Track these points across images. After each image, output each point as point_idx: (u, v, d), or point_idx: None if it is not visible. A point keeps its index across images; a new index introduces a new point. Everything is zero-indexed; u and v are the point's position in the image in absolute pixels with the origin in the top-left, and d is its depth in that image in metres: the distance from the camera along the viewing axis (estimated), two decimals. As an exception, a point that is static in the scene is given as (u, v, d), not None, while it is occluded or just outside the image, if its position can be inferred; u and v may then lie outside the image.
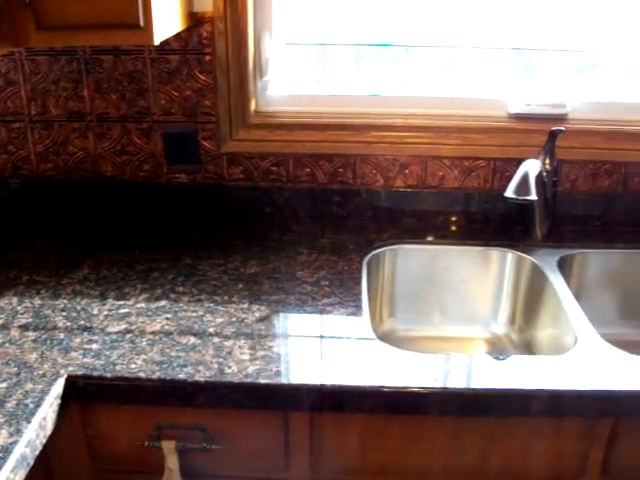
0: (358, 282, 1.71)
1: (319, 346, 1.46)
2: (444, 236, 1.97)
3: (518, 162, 1.79)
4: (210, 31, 1.86)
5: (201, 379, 1.33)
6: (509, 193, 1.73)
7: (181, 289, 1.67)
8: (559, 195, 1.94)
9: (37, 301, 1.61)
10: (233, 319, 1.54)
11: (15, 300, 1.61)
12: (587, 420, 1.38)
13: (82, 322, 1.52)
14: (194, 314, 1.56)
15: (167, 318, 1.54)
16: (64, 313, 1.56)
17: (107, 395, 1.37)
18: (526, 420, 1.39)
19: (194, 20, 1.83)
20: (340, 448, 1.43)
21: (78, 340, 1.46)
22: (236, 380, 1.33)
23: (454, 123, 1.96)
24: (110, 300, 1.62)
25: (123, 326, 1.51)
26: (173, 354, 1.41)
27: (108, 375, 1.35)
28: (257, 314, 1.56)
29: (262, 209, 2.05)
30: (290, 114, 2.00)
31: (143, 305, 1.59)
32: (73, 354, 1.41)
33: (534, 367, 1.40)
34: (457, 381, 1.35)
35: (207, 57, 1.89)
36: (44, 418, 1.24)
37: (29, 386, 1.30)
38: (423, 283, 1.94)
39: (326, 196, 2.04)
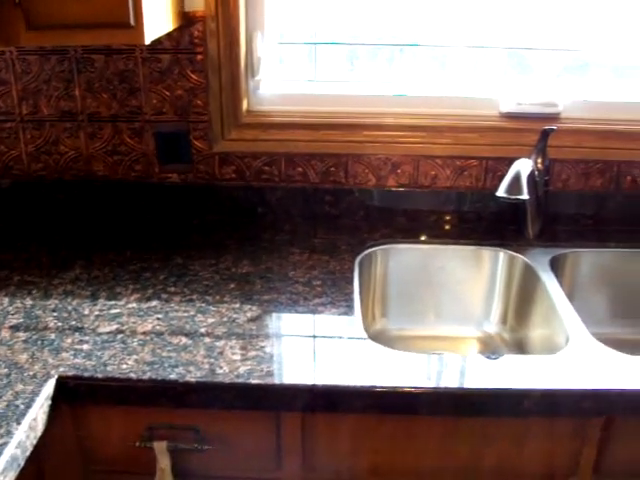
0: (350, 282, 1.71)
1: (311, 346, 1.46)
2: (436, 235, 1.97)
3: (510, 161, 1.79)
4: (202, 30, 1.85)
5: (192, 379, 1.33)
6: (501, 192, 1.73)
7: (173, 289, 1.66)
8: (551, 194, 1.94)
9: (28, 301, 1.60)
10: (224, 319, 1.53)
11: (6, 300, 1.61)
12: (579, 419, 1.38)
13: (73, 322, 1.52)
14: (185, 314, 1.55)
15: (158, 318, 1.54)
16: (55, 313, 1.55)
17: (98, 396, 1.36)
18: (518, 420, 1.39)
19: (185, 19, 1.83)
20: (332, 448, 1.43)
21: (69, 340, 1.45)
22: (227, 380, 1.33)
23: (446, 122, 1.96)
24: (101, 300, 1.61)
25: (114, 326, 1.50)
26: (164, 354, 1.40)
27: (99, 376, 1.34)
28: (249, 314, 1.55)
29: (254, 209, 2.05)
30: (282, 113, 1.99)
31: (134, 305, 1.59)
32: (64, 355, 1.40)
33: (526, 367, 1.40)
34: (449, 381, 1.35)
35: (199, 56, 1.89)
36: (34, 419, 1.23)
37: (19, 387, 1.29)
38: (415, 283, 1.94)
39: (318, 196, 2.03)
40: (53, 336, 1.47)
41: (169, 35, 1.84)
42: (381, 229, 1.98)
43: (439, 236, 1.97)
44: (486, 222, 2.02)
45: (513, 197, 1.72)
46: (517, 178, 1.72)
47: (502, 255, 1.90)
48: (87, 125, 1.98)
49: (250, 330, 1.49)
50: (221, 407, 1.36)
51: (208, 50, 1.87)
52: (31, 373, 1.34)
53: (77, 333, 1.48)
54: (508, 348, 1.87)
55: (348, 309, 1.59)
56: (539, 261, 1.83)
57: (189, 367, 1.36)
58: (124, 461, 1.45)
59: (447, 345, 1.92)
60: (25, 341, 1.45)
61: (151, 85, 1.93)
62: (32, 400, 1.26)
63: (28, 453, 1.21)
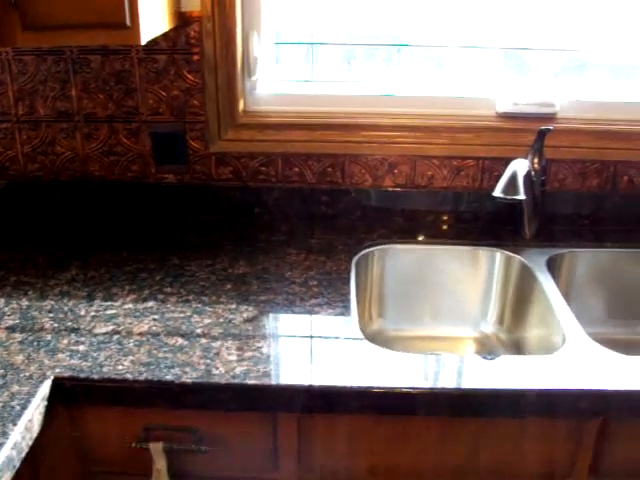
0: (347, 282, 1.71)
1: (307, 347, 1.46)
2: (433, 236, 1.97)
3: (507, 161, 1.79)
4: (198, 30, 1.85)
5: (188, 380, 1.33)
6: (497, 193, 1.73)
7: (169, 290, 1.66)
8: (548, 194, 1.94)
9: (24, 302, 1.60)
10: (221, 320, 1.53)
11: (2, 301, 1.60)
12: (575, 419, 1.38)
13: (69, 323, 1.52)
14: (182, 315, 1.55)
15: (154, 319, 1.53)
16: (51, 314, 1.55)
17: (94, 397, 1.36)
18: (515, 420, 1.39)
19: (182, 19, 1.83)
20: (329, 449, 1.43)
21: (65, 341, 1.45)
22: (223, 381, 1.32)
23: (443, 123, 1.96)
24: (97, 301, 1.61)
25: (110, 327, 1.50)
26: (160, 355, 1.40)
27: (95, 377, 1.34)
28: (245, 315, 1.55)
29: (251, 209, 2.05)
30: (279, 114, 1.99)
31: (131, 306, 1.59)
32: (60, 355, 1.40)
33: (523, 367, 1.40)
34: (446, 381, 1.35)
35: (195, 57, 1.89)
36: (30, 420, 1.23)
37: (15, 388, 1.29)
38: (412, 283, 1.93)
39: (315, 196, 2.03)
40: (49, 337, 1.46)
41: (165, 35, 1.84)
42: (378, 229, 1.98)
43: (436, 236, 1.97)
44: (483, 222, 2.02)
45: (509, 197, 1.71)
46: (513, 178, 1.72)
47: (499, 255, 1.90)
48: (83, 126, 1.98)
49: (246, 331, 1.49)
50: (217, 408, 1.36)
51: (204, 50, 1.87)
52: (27, 374, 1.34)
53: (73, 334, 1.48)
54: (505, 348, 1.87)
55: (345, 309, 1.59)
56: (536, 261, 1.82)
57: (185, 368, 1.36)
58: (120, 462, 1.44)
59: (444, 345, 1.92)
60: (21, 342, 1.44)
61: (147, 85, 1.92)
62: (28, 401, 1.26)
63: (24, 454, 1.21)
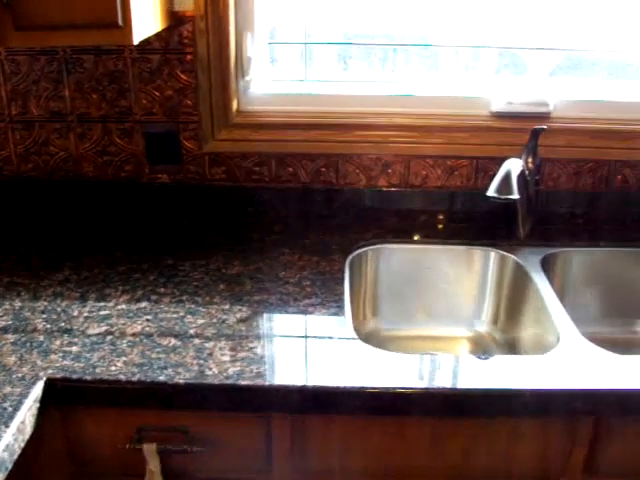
0: (340, 282, 1.70)
1: (300, 347, 1.46)
2: (427, 235, 1.97)
3: (501, 161, 1.79)
4: (191, 30, 1.85)
5: (181, 381, 1.32)
6: (491, 192, 1.72)
7: (162, 290, 1.66)
8: (542, 194, 1.94)
9: (17, 303, 1.60)
10: (214, 320, 1.53)
11: (-5, 302, 1.60)
12: (570, 419, 1.38)
13: (62, 324, 1.51)
14: (175, 315, 1.55)
15: (148, 319, 1.53)
16: (44, 315, 1.55)
17: (87, 398, 1.35)
18: (509, 420, 1.38)
19: (175, 19, 1.82)
20: (323, 449, 1.42)
21: (58, 342, 1.44)
22: (216, 382, 1.32)
23: (437, 122, 1.96)
24: (90, 302, 1.60)
25: (103, 328, 1.50)
26: (153, 356, 1.40)
27: (88, 378, 1.33)
28: (238, 315, 1.55)
29: (244, 209, 2.04)
30: (273, 113, 1.99)
31: (124, 307, 1.58)
32: (53, 357, 1.39)
33: (517, 367, 1.40)
34: (439, 381, 1.35)
35: (188, 56, 1.88)
36: (23, 422, 1.23)
37: (7, 389, 1.29)
38: (406, 282, 1.93)
39: (309, 196, 2.03)
40: (42, 338, 1.46)
41: (158, 35, 1.83)
42: (372, 229, 1.98)
43: (430, 236, 1.96)
44: (477, 222, 2.02)
45: (503, 197, 1.71)
46: (507, 178, 1.71)
47: (493, 255, 1.90)
48: (77, 126, 1.97)
49: (240, 331, 1.49)
50: (211, 409, 1.36)
51: (198, 50, 1.87)
52: (19, 375, 1.33)
53: (66, 335, 1.47)
54: (499, 348, 1.87)
55: (338, 309, 1.58)
56: (530, 260, 1.82)
57: (178, 369, 1.35)
58: (113, 463, 1.44)
59: (438, 345, 1.92)
60: (14, 343, 1.44)
61: (141, 85, 1.92)
62: (20, 402, 1.25)
63: (16, 456, 1.20)
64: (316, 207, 2.04)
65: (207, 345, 1.43)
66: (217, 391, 1.33)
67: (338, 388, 1.32)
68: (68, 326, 1.50)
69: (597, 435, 1.39)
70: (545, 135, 1.83)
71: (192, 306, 1.59)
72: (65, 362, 1.38)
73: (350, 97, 2.00)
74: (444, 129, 1.96)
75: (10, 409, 1.23)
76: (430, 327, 1.94)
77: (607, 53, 1.99)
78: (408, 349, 1.85)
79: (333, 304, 1.60)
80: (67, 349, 1.42)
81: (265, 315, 1.57)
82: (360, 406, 1.34)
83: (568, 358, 1.43)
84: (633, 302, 1.92)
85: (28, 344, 1.43)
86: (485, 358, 1.47)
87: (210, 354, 1.40)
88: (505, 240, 1.93)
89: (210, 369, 1.35)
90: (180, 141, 1.98)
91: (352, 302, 1.65)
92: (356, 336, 1.49)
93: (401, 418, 1.38)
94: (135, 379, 1.33)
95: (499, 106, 1.95)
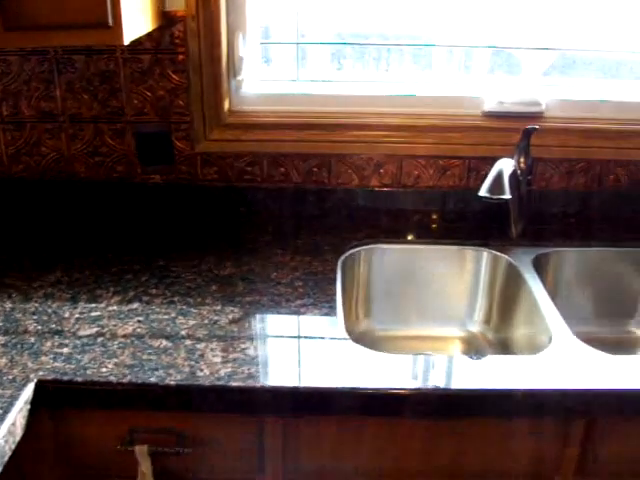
0: (333, 283, 1.70)
1: (292, 348, 1.45)
2: (420, 235, 1.96)
3: (493, 160, 1.79)
4: (182, 30, 1.84)
5: (172, 382, 1.32)
6: (483, 192, 1.72)
7: (154, 291, 1.65)
8: (534, 193, 1.94)
9: (8, 304, 1.59)
10: (206, 321, 1.52)
11: (-15, 304, 1.60)
12: (562, 419, 1.38)
13: (53, 326, 1.50)
14: (166, 316, 1.54)
15: (139, 321, 1.52)
16: (35, 317, 1.54)
17: (78, 400, 1.35)
18: (502, 420, 1.38)
19: (166, 19, 1.82)
20: (315, 450, 1.42)
21: (49, 344, 1.44)
22: (207, 383, 1.31)
23: (429, 122, 1.96)
24: (82, 303, 1.60)
25: (94, 329, 1.49)
26: (145, 357, 1.39)
27: (79, 379, 1.33)
28: (230, 316, 1.54)
29: (236, 209, 2.04)
30: (265, 113, 1.98)
31: (115, 308, 1.58)
32: (43, 358, 1.39)
33: (509, 367, 1.40)
34: (432, 382, 1.35)
35: (180, 56, 1.88)
36: (13, 424, 1.22)
37: (-2, 391, 1.28)
38: (399, 283, 1.93)
39: (301, 196, 2.03)
40: (33, 339, 1.45)
41: (149, 35, 1.82)
42: (364, 229, 1.98)
43: (422, 236, 1.96)
44: (469, 222, 2.02)
45: (495, 197, 1.71)
46: (499, 178, 1.71)
47: (485, 255, 1.90)
48: (68, 126, 1.96)
49: (231, 332, 1.48)
50: (202, 410, 1.35)
51: (189, 50, 1.86)
52: (10, 377, 1.32)
53: (57, 336, 1.46)
54: (492, 348, 1.87)
55: (331, 310, 1.58)
56: (522, 260, 1.82)
57: (169, 370, 1.35)
58: (105, 465, 1.43)
59: (431, 345, 1.91)
60: (4, 345, 1.43)
61: (132, 86, 1.91)
62: (11, 404, 1.24)
63: (7, 458, 1.20)
64: (308, 207, 2.04)
65: (198, 346, 1.43)
66: (208, 392, 1.32)
67: (330, 389, 1.32)
68: (59, 327, 1.50)
69: (590, 435, 1.39)
70: (537, 135, 1.83)
71: (184, 307, 1.58)
72: (56, 364, 1.37)
73: (342, 97, 1.99)
74: (436, 129, 1.96)
75: (0, 411, 1.22)
76: (422, 327, 1.94)
77: (601, 52, 1.99)
78: (400, 349, 1.85)
79: (325, 305, 1.60)
80: (58, 351, 1.41)
81: (257, 316, 1.56)
82: (352, 407, 1.34)
83: (560, 358, 1.43)
84: (625, 302, 1.93)
85: (19, 346, 1.43)
86: (478, 358, 1.47)
87: (201, 355, 1.40)
88: (497, 240, 1.92)
89: (201, 370, 1.35)
90: (172, 141, 1.98)
91: (344, 303, 1.65)
92: (348, 337, 1.48)
93: (393, 419, 1.38)
94: (126, 380, 1.33)
95: (491, 106, 1.95)
